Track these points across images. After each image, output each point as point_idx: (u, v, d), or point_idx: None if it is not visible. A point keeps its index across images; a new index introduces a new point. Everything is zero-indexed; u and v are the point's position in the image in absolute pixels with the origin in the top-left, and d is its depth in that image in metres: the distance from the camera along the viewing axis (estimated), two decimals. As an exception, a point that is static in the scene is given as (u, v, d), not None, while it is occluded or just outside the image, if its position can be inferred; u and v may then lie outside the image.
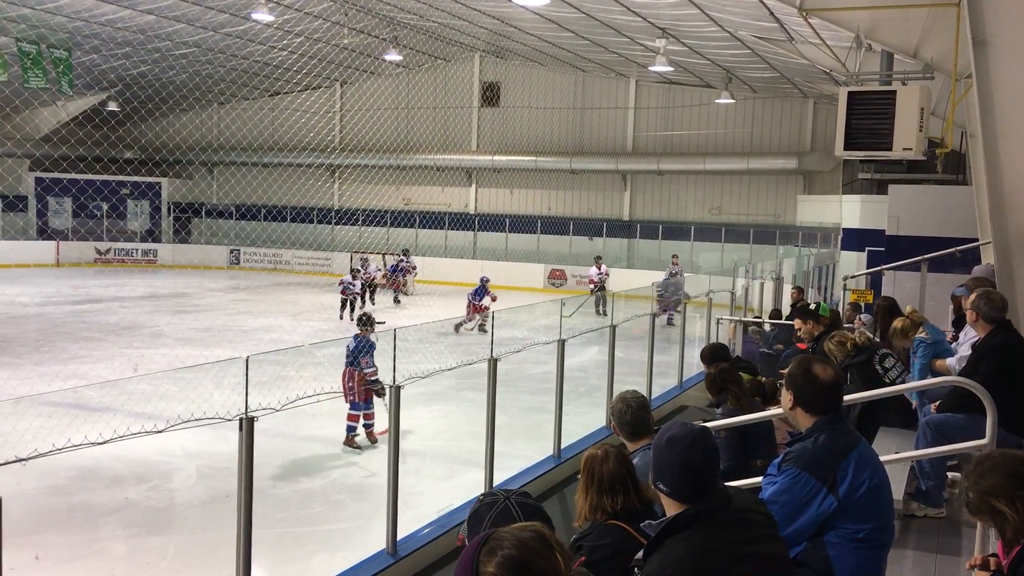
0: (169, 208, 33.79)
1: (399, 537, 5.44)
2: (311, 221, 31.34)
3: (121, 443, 8.06)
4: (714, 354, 5.76)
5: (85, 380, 12.03)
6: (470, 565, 1.70)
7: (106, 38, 22.78)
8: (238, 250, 31.59)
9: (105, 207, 32.18)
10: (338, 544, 6.73)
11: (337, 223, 30.77)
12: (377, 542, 5.63)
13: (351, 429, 9.46)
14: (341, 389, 9.62)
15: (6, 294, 21.40)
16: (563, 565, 1.76)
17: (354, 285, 20.04)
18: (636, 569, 2.63)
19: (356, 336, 9.80)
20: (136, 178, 32.01)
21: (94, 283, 25.01)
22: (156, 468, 8.15)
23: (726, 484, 2.69)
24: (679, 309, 14.13)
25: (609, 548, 2.93)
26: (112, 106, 28.72)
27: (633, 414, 3.62)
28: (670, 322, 15.02)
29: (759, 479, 3.82)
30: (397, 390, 5.78)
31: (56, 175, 30.89)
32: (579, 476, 3.20)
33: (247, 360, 4.51)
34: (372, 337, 9.55)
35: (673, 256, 23.09)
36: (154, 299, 21.95)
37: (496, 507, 2.17)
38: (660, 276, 18.75)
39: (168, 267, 30.93)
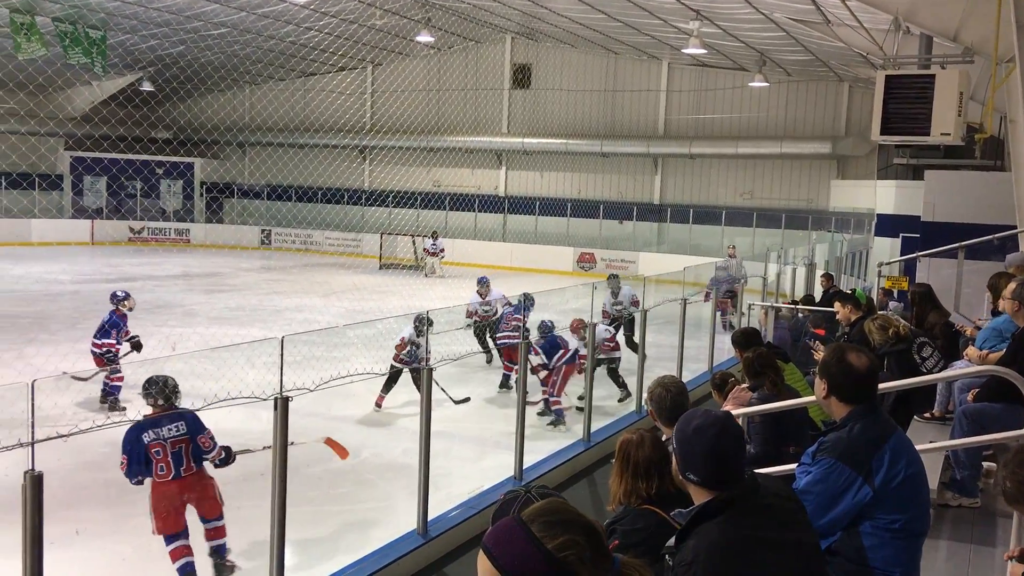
0: (202, 188, 34.10)
1: (430, 518, 5.48)
2: (341, 202, 31.49)
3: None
4: (748, 339, 5.71)
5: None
6: (515, 529, 1.67)
7: (141, 18, 22.96)
8: (269, 230, 31.84)
9: (139, 186, 32.58)
10: (368, 523, 6.79)
11: (367, 204, 30.89)
12: (406, 522, 5.69)
13: None
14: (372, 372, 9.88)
15: (43, 272, 21.78)
16: (598, 527, 1.75)
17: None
18: (667, 556, 2.64)
19: None
20: (170, 158, 32.32)
21: (128, 261, 25.33)
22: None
23: (757, 471, 2.68)
24: (733, 309, 13.97)
25: (642, 533, 2.94)
26: (147, 86, 28.98)
27: (672, 399, 3.61)
28: (727, 327, 13.59)
29: (792, 466, 3.81)
30: (429, 372, 5.82)
31: (91, 154, 31.28)
32: (612, 461, 3.20)
33: (282, 340, 4.56)
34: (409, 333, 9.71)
35: (729, 247, 20.84)
36: (187, 278, 22.18)
37: (519, 500, 2.20)
38: (695, 262, 16.45)
39: (201, 246, 31.23)
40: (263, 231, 31.90)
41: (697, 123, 26.82)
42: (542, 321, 10.29)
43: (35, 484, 3.38)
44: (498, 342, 11.57)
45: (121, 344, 9.70)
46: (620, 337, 11.06)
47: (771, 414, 4.71)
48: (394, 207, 29.12)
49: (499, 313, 12.59)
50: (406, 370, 9.81)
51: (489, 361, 12.59)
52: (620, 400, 10.07)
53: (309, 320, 16.08)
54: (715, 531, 2.41)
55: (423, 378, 5.71)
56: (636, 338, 10.60)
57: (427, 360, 6.42)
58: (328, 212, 31.39)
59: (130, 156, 30.25)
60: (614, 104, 27.82)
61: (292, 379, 4.71)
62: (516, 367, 10.09)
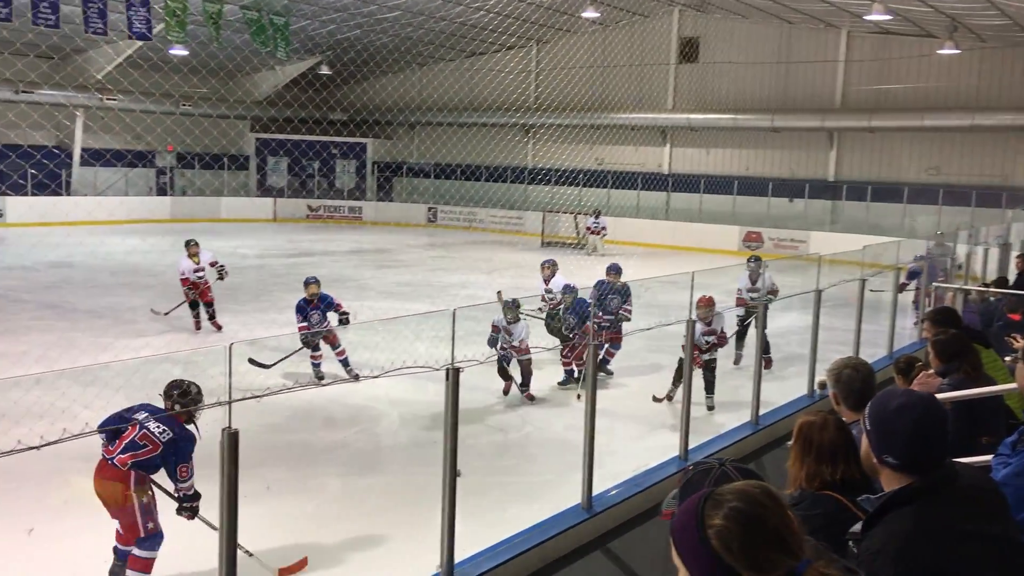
0: (373, 167, 35.46)
1: (593, 494, 5.49)
2: (505, 180, 31.90)
3: (334, 387, 8.63)
4: (944, 318, 5.31)
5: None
6: (694, 519, 1.65)
7: (321, 4, 24.02)
8: (435, 208, 32.73)
9: (316, 166, 34.34)
10: (532, 496, 6.88)
11: (530, 183, 31.15)
12: (569, 497, 5.73)
13: None
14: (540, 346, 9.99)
15: (231, 246, 23.32)
16: (796, 524, 1.69)
17: None
18: (851, 543, 2.51)
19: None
20: (345, 138, 33.78)
21: (306, 237, 26.73)
22: (365, 413, 8.64)
23: (953, 459, 2.51)
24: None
25: (821, 519, 2.81)
26: (325, 70, 30.34)
27: (863, 382, 3.43)
28: (918, 308, 12.17)
29: (986, 457, 3.55)
30: (594, 348, 5.82)
31: (274, 136, 33.20)
32: (789, 444, 3.08)
33: (454, 313, 4.67)
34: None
35: (938, 233, 17.52)
36: (359, 254, 23.15)
37: (712, 473, 2.08)
38: (874, 241, 14.13)
39: (371, 224, 32.51)
40: (429, 209, 32.82)
41: (878, 95, 25.32)
42: (565, 284, 10.68)
43: (231, 441, 3.63)
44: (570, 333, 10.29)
45: (317, 323, 9.97)
46: (728, 327, 9.95)
47: (964, 402, 4.40)
48: (556, 185, 29.22)
49: (558, 300, 11.38)
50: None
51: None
52: (710, 409, 8.99)
53: (473, 296, 16.41)
54: (909, 519, 2.27)
55: (588, 355, 5.70)
56: (761, 330, 9.56)
57: (591, 339, 6.40)
58: (492, 190, 31.89)
59: (309, 137, 31.88)
60: (787, 76, 26.69)
61: (458, 352, 4.80)
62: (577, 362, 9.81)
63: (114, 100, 27.43)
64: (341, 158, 35.08)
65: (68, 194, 28.39)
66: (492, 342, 9.47)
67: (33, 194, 27.10)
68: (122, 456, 4.91)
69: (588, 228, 25.49)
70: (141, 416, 5.00)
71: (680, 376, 8.50)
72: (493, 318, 9.68)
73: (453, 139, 31.38)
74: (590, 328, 8.45)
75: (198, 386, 5.23)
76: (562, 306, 10.64)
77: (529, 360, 9.61)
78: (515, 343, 9.47)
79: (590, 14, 22.86)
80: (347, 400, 8.87)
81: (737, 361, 11.15)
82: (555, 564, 4.99)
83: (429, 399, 9.38)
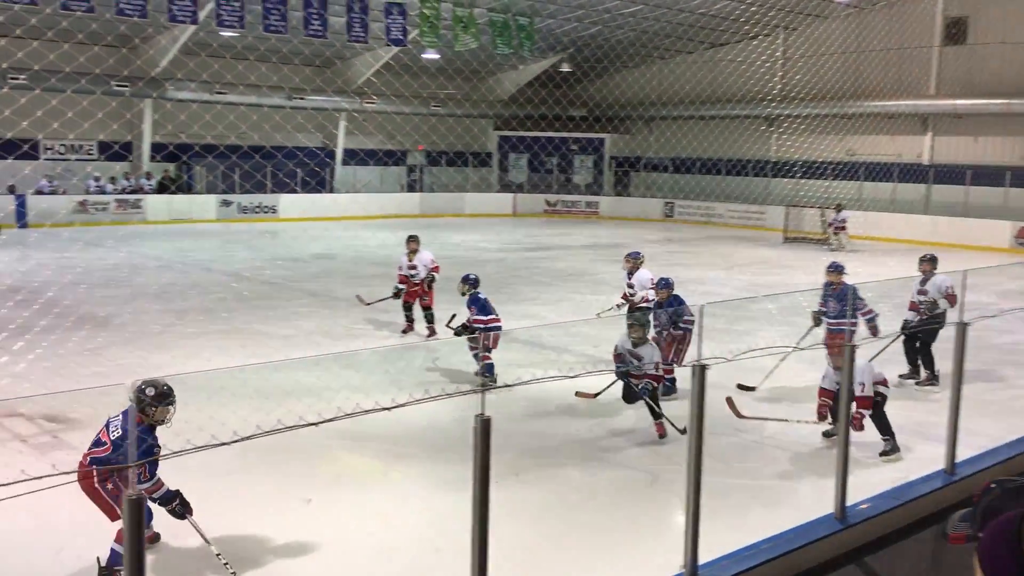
0: (610, 162, 35.62)
1: (847, 504, 5.17)
2: (745, 174, 30.91)
3: (575, 380, 8.75)
4: None
5: (537, 320, 13.25)
6: (1013, 541, 1.48)
7: (564, 2, 24.43)
8: (672, 203, 32.32)
9: (555, 162, 35.04)
10: (774, 501, 6.62)
11: (773, 176, 29.97)
12: (816, 505, 5.45)
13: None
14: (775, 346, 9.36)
15: (474, 240, 24.34)
16: None
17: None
18: None
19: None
20: (583, 134, 34.19)
21: (544, 232, 27.33)
22: (603, 406, 8.69)
23: None
24: None
25: None
26: (565, 67, 30.85)
27: None
28: None
29: None
30: (851, 349, 5.47)
31: (515, 133, 34.26)
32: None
33: (701, 308, 4.57)
34: None
35: None
36: (595, 248, 23.33)
37: None
38: None
39: (607, 219, 32.66)
40: (666, 203, 32.47)
41: None
42: (662, 279, 9.52)
43: (484, 427, 3.75)
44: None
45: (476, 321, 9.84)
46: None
47: None
48: (801, 178, 27.87)
49: (639, 297, 10.48)
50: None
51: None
52: (884, 454, 7.48)
53: (710, 292, 16.05)
54: None
55: (846, 356, 5.36)
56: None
57: (850, 338, 6.01)
58: (731, 184, 31.02)
59: (548, 134, 32.57)
60: (1073, 55, 23.84)
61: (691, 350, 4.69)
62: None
63: (371, 103, 29.49)
64: (579, 154, 35.57)
65: (331, 191, 30.86)
66: (622, 375, 7.91)
67: (301, 191, 29.70)
68: (86, 451, 5.08)
69: (830, 223, 24.17)
70: (116, 415, 5.12)
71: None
72: (615, 342, 8.13)
73: (692, 132, 30.82)
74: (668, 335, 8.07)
75: (160, 388, 5.07)
76: (653, 302, 9.79)
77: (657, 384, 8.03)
78: (648, 369, 7.90)
79: (845, -2, 21.58)
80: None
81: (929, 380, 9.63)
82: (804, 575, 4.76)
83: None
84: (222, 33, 21.88)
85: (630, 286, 10.59)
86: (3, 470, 4.91)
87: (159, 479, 4.94)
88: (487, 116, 34.37)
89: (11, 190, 23.95)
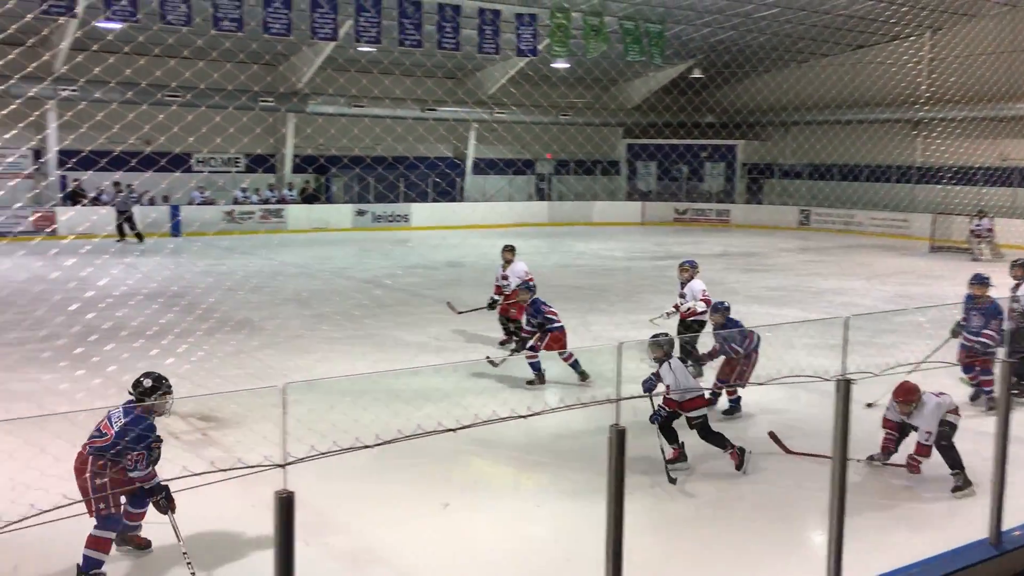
0: (743, 169, 34.84)
1: (1003, 529, 4.88)
2: (888, 180, 29.60)
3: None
4: None
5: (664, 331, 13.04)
6: None
7: (694, 8, 24.09)
8: (808, 210, 31.29)
9: (685, 170, 34.57)
10: (919, 523, 6.32)
11: (918, 182, 28.57)
12: (966, 529, 5.16)
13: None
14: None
15: (601, 248, 24.28)
16: None
17: None
18: None
19: None
20: (714, 141, 33.60)
21: (672, 240, 26.96)
22: (732, 420, 8.50)
23: None
24: None
25: None
26: (696, 73, 30.41)
27: None
28: None
29: None
30: (1007, 365, 5.16)
31: (644, 141, 34.00)
32: None
33: (846, 321, 4.40)
34: None
35: None
36: (726, 257, 22.84)
37: None
38: None
39: (739, 227, 31.93)
40: (802, 211, 31.46)
41: None
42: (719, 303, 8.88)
43: (619, 437, 3.74)
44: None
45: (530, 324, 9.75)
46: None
47: None
48: (950, 184, 26.43)
49: (686, 308, 10.05)
50: None
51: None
52: (956, 490, 6.70)
53: (849, 303, 15.45)
54: None
55: (1001, 373, 5.06)
56: None
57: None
58: (873, 191, 29.78)
59: (678, 141, 32.15)
60: None
61: (830, 363, 4.52)
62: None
63: (502, 113, 29.89)
64: (710, 161, 34.95)
65: (462, 200, 31.44)
66: (650, 387, 6.98)
67: (433, 200, 30.39)
68: (86, 441, 5.20)
69: (971, 231, 22.84)
70: (116, 408, 5.29)
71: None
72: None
73: (830, 137, 29.77)
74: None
75: (158, 379, 5.36)
76: (707, 319, 9.50)
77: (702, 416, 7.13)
78: (674, 395, 6.99)
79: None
80: (718, 405, 8.78)
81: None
82: (956, 604, 4.52)
83: (802, 409, 8.99)
84: (360, 48, 22.69)
85: (681, 296, 10.27)
86: (167, 466, 5.26)
87: (153, 470, 5.13)
88: (616, 124, 34.25)
89: (166, 200, 25.62)
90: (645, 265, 21.10)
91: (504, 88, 29.10)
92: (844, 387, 4.24)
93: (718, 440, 7.03)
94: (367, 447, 3.57)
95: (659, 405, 6.93)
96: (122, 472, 5.07)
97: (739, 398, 8.68)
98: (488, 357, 10.35)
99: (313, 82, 26.55)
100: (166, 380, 5.40)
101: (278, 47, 23.43)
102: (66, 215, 22.74)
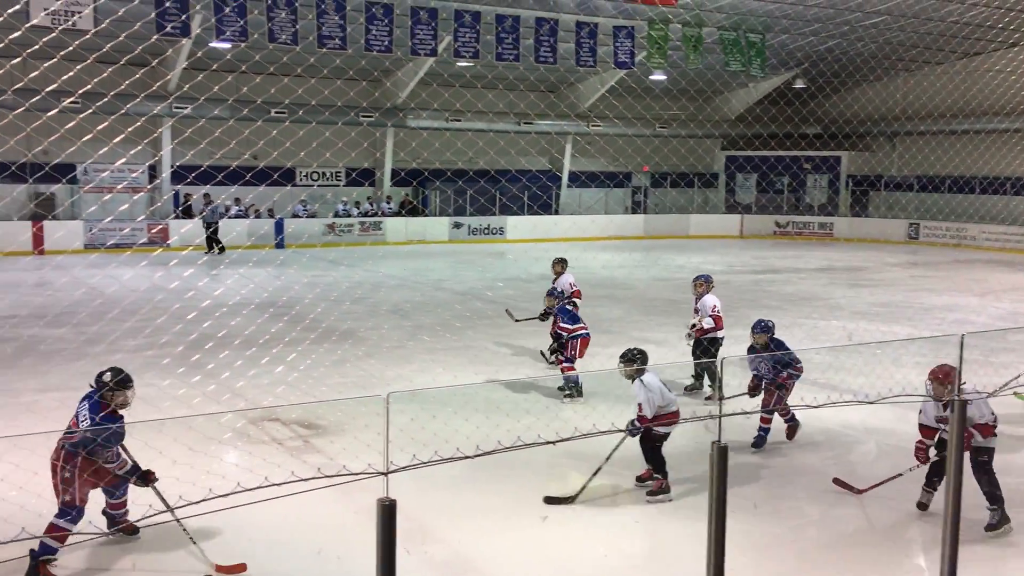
0: (847, 181, 33.83)
1: None
2: (1004, 192, 28.26)
3: (813, 410, 8.35)
4: None
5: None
6: None
7: (797, 18, 23.57)
8: (917, 224, 30.16)
9: (786, 182, 33.77)
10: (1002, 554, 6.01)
11: (1038, 194, 27.23)
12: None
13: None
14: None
15: (698, 261, 23.92)
16: None
17: None
18: None
19: None
20: (817, 152, 32.73)
21: (773, 254, 26.37)
22: (839, 438, 8.26)
23: None
24: None
25: None
26: (799, 83, 29.73)
27: None
28: None
29: None
30: None
31: (743, 153, 33.40)
32: None
33: (962, 338, 4.23)
34: None
35: None
36: (829, 271, 22.22)
37: None
38: None
39: (843, 240, 31.00)
40: (910, 224, 30.35)
41: None
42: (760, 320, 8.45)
43: (721, 454, 3.68)
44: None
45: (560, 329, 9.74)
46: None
47: None
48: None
49: (696, 324, 9.68)
50: None
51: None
52: (990, 528, 6.06)
53: (962, 320, 14.82)
54: None
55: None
56: None
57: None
58: (987, 203, 28.47)
59: (779, 153, 31.47)
60: None
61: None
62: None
63: (597, 126, 29.85)
64: (812, 173, 34.06)
65: (556, 213, 31.49)
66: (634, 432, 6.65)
67: (527, 214, 30.52)
68: (60, 437, 5.42)
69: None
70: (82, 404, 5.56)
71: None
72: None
73: (941, 148, 28.64)
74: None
75: (117, 373, 5.55)
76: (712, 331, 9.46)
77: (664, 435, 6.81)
78: (646, 411, 6.64)
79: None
80: (819, 424, 8.54)
81: None
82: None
83: (912, 430, 8.65)
84: (459, 64, 23.02)
85: (696, 311, 9.87)
86: (272, 471, 5.42)
87: (123, 458, 5.49)
88: (715, 136, 33.76)
89: (271, 214, 26.49)
90: (744, 279, 20.68)
91: (601, 100, 29.07)
92: (960, 408, 4.08)
93: (659, 463, 6.72)
94: (467, 457, 3.61)
95: (634, 419, 6.60)
96: (92, 464, 5.38)
97: (768, 429, 8.00)
98: (508, 310, 11.52)
99: (414, 97, 27.07)
100: (127, 374, 5.63)
101: (386, 63, 23.99)
102: (181, 228, 23.81)
